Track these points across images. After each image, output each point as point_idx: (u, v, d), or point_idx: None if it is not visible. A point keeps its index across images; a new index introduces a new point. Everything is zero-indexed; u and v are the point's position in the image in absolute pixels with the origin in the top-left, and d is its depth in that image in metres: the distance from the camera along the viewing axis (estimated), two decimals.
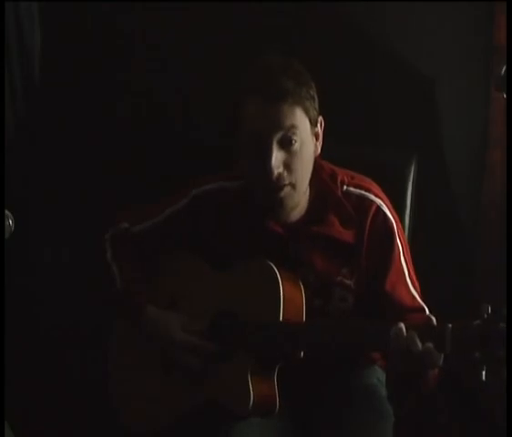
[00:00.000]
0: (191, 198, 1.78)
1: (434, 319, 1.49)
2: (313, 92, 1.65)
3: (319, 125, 1.68)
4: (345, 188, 1.72)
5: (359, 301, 1.71)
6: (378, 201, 1.72)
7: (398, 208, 1.81)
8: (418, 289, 1.73)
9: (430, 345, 1.45)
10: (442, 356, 1.47)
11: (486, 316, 1.41)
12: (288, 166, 1.62)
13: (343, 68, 2.26)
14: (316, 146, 1.68)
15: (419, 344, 1.46)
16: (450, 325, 1.45)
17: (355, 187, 1.73)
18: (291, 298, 1.64)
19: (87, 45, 2.34)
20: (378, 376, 1.79)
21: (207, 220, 1.76)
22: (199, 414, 1.69)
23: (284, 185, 1.62)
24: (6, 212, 1.56)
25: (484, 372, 1.39)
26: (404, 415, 1.78)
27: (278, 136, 1.59)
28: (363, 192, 1.72)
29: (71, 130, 2.37)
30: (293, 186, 1.64)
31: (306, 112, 1.62)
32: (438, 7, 2.21)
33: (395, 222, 1.72)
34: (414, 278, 1.74)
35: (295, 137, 1.60)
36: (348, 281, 1.70)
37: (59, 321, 2.38)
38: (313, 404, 1.72)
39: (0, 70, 2.16)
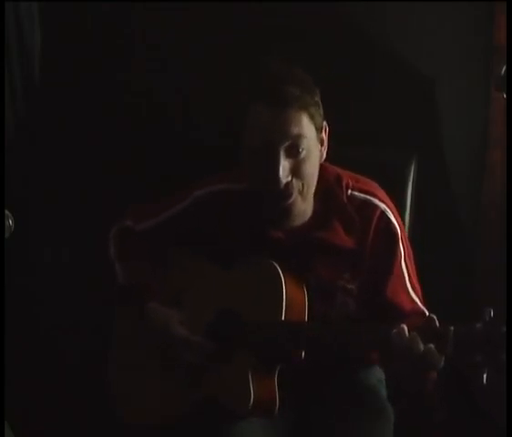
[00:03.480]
0: (195, 199, 1.78)
1: (436, 320, 1.50)
2: (318, 98, 1.65)
3: (324, 131, 1.68)
4: (350, 192, 1.72)
5: (361, 306, 1.71)
6: (382, 206, 1.71)
7: (398, 208, 1.80)
8: (419, 294, 1.74)
9: (431, 346, 1.46)
10: (443, 358, 1.48)
11: (487, 319, 1.41)
12: (295, 173, 1.61)
13: (343, 68, 2.26)
14: (321, 151, 1.68)
15: (421, 345, 1.47)
16: (452, 327, 1.45)
17: (360, 191, 1.72)
18: (293, 298, 1.64)
19: (87, 45, 2.34)
20: (378, 376, 1.80)
21: (210, 221, 1.76)
22: (199, 414, 1.68)
23: (292, 193, 1.62)
24: (6, 212, 1.56)
25: (485, 375, 1.40)
26: (402, 413, 1.78)
27: (285, 145, 1.59)
28: (367, 197, 1.72)
29: (71, 130, 2.37)
30: (301, 193, 1.64)
31: (312, 118, 1.62)
32: (438, 7, 2.21)
33: (399, 227, 1.72)
34: (415, 282, 1.74)
35: (302, 146, 1.60)
36: (350, 286, 1.69)
37: (59, 321, 2.38)
38: (314, 404, 1.72)
39: (0, 70, 2.16)
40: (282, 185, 1.59)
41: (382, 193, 1.75)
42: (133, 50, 2.35)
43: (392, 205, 1.74)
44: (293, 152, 1.60)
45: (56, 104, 2.36)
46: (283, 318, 1.62)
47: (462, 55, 2.24)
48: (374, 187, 1.75)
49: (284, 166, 1.59)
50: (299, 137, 1.59)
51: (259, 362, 1.63)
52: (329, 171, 1.73)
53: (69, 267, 2.36)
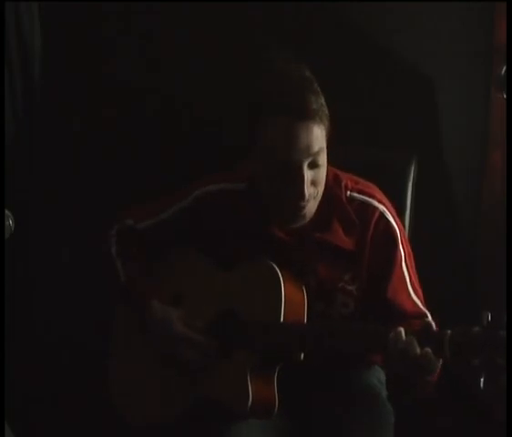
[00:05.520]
0: (195, 198, 1.78)
1: (433, 324, 1.50)
2: (324, 101, 1.62)
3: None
4: (349, 193, 1.72)
5: (361, 307, 1.71)
6: (381, 207, 1.71)
7: (398, 208, 1.81)
8: (421, 295, 1.74)
9: (428, 350, 1.46)
10: (440, 362, 1.48)
11: (485, 323, 1.41)
12: (314, 183, 1.63)
13: (344, 68, 2.26)
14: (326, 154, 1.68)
15: (417, 348, 1.46)
16: (449, 331, 1.45)
17: (359, 192, 1.72)
18: (292, 299, 1.64)
19: (87, 44, 2.34)
20: (378, 376, 1.80)
21: (210, 220, 1.76)
22: (198, 414, 1.69)
23: (309, 200, 1.63)
24: (6, 212, 1.56)
25: (482, 380, 1.40)
26: (402, 413, 1.78)
27: (308, 161, 1.59)
28: (366, 198, 1.72)
29: (71, 130, 2.37)
30: (315, 197, 1.65)
31: (325, 127, 1.61)
32: (438, 7, 2.21)
33: (398, 228, 1.72)
34: (417, 284, 1.74)
35: (321, 159, 1.61)
36: (350, 287, 1.70)
37: (59, 321, 2.38)
38: (313, 404, 1.72)
39: (0, 70, 2.16)
40: (306, 198, 1.61)
41: (380, 194, 1.74)
42: (133, 50, 2.35)
43: (391, 206, 1.74)
44: (314, 165, 1.61)
45: (56, 104, 2.36)
46: (282, 318, 1.62)
47: (462, 55, 2.24)
48: (373, 188, 1.75)
49: (307, 179, 1.60)
50: (319, 151, 1.60)
51: (258, 363, 1.63)
52: (327, 172, 1.72)
53: (69, 267, 2.36)
